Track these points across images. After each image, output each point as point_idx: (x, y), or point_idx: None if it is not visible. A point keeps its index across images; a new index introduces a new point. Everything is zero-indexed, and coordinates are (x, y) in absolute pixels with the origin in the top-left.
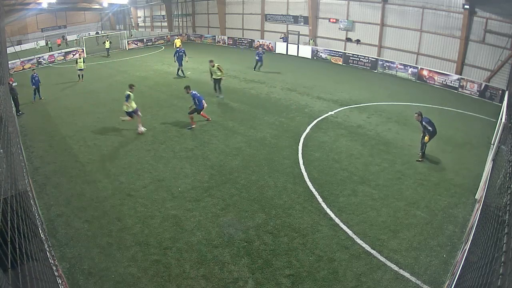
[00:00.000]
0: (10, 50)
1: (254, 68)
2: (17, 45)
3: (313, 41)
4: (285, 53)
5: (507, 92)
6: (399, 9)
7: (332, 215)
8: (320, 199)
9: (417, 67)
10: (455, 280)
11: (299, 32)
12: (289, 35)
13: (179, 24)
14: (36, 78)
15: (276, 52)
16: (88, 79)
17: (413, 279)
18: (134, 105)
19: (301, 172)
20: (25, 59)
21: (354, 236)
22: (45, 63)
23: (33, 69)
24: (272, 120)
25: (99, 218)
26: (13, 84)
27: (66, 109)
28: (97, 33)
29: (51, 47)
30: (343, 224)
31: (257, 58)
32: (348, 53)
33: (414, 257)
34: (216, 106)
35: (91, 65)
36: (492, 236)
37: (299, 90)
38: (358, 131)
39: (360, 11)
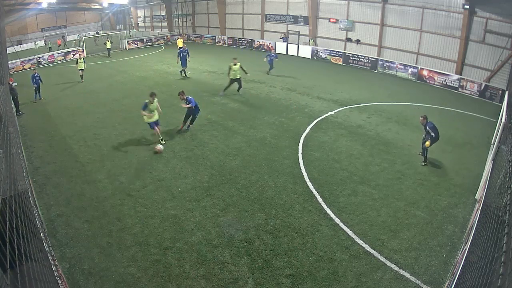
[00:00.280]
0: (10, 50)
1: (268, 72)
2: (17, 45)
3: (313, 41)
4: (285, 53)
5: (507, 92)
6: (399, 9)
7: (332, 215)
8: (320, 199)
9: (417, 67)
10: (455, 280)
11: (299, 32)
12: (289, 35)
13: (179, 24)
14: (37, 77)
15: (276, 52)
16: (88, 79)
17: (413, 279)
18: (156, 116)
19: (301, 172)
20: (25, 59)
21: (354, 236)
22: (45, 63)
23: (34, 69)
24: (272, 120)
25: (99, 218)
26: (13, 84)
27: (66, 109)
28: (96, 33)
29: (50, 47)
30: (343, 224)
31: (268, 60)
32: (348, 53)
33: (414, 257)
34: (216, 106)
35: (91, 65)
36: (492, 236)
37: (299, 90)
38: (358, 131)
39: (360, 11)
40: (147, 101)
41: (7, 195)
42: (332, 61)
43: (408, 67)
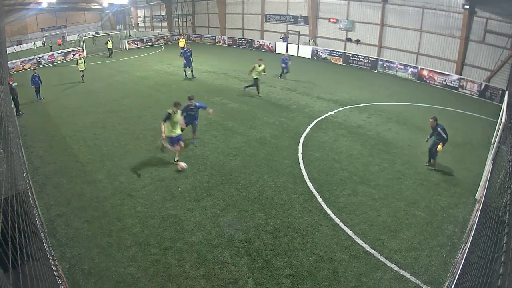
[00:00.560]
0: (10, 50)
1: (280, 76)
2: (17, 45)
3: (313, 41)
4: (285, 53)
5: (507, 92)
6: (399, 9)
7: (332, 215)
8: (320, 199)
9: (417, 67)
10: (455, 280)
11: (299, 32)
12: (289, 35)
13: (179, 24)
14: (37, 78)
15: (276, 52)
16: (88, 79)
17: (413, 279)
18: (178, 130)
19: (301, 172)
20: (25, 59)
21: (354, 236)
22: (45, 63)
23: (34, 69)
24: (272, 120)
25: (99, 218)
26: (13, 84)
27: (66, 109)
28: (96, 33)
29: (51, 46)
30: (343, 224)
31: (283, 65)
32: (348, 53)
33: (414, 257)
34: (216, 106)
35: (91, 65)
36: (492, 236)
37: (299, 90)
38: (358, 131)
39: (360, 11)
40: (170, 111)
41: (8, 195)
42: (332, 61)
43: (408, 67)
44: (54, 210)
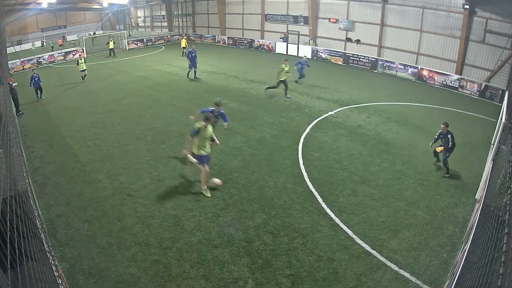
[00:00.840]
0: (10, 50)
1: (297, 81)
2: (17, 45)
3: (313, 41)
4: (285, 53)
5: (507, 92)
6: (399, 9)
7: (332, 215)
8: (320, 199)
9: (417, 67)
10: (455, 280)
11: (299, 32)
12: (289, 35)
13: (179, 24)
14: (36, 78)
15: (276, 52)
16: (88, 79)
17: (413, 279)
18: (208, 148)
19: (301, 172)
20: (25, 59)
21: (354, 236)
22: (45, 63)
23: (33, 69)
24: (272, 120)
25: (99, 218)
26: (13, 84)
27: (66, 109)
28: (94, 33)
29: (53, 46)
30: (343, 224)
31: (299, 68)
32: (348, 53)
33: (414, 257)
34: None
35: (90, 65)
36: (492, 236)
37: (299, 90)
38: (358, 131)
39: (360, 11)
40: (198, 126)
41: (7, 195)
42: (332, 61)
43: (408, 67)
44: (54, 210)
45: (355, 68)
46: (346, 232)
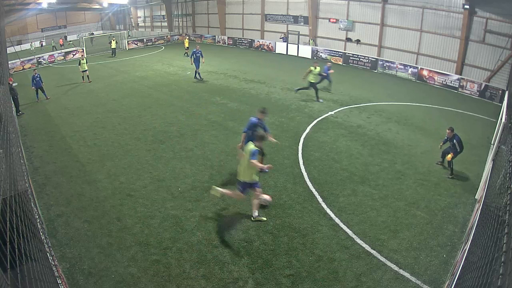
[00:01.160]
0: (10, 50)
1: (329, 89)
2: (17, 45)
3: (313, 41)
4: (285, 53)
5: (507, 92)
6: (399, 9)
7: (332, 215)
8: (320, 199)
9: (417, 67)
10: (455, 280)
11: (299, 32)
12: (289, 35)
13: (179, 24)
14: (38, 78)
15: (276, 52)
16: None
17: (413, 279)
18: (256, 176)
19: (301, 172)
20: (25, 59)
21: (354, 236)
22: (45, 63)
23: (34, 69)
24: (272, 120)
25: (99, 218)
26: (13, 84)
27: (66, 109)
28: (91, 33)
29: (54, 46)
30: (343, 224)
31: (324, 74)
32: (348, 53)
33: (414, 257)
34: (216, 106)
35: (90, 65)
36: (492, 236)
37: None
38: (358, 131)
39: (360, 11)
40: (255, 148)
41: (7, 195)
42: (332, 61)
43: (408, 67)
44: (54, 210)
45: (355, 68)
46: (346, 232)
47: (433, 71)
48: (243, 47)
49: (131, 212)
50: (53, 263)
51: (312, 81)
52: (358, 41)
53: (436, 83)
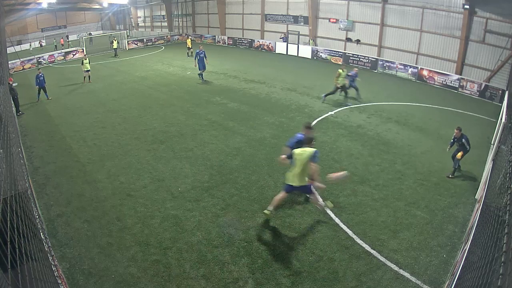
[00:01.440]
0: (10, 50)
1: (359, 98)
2: (17, 45)
3: (313, 41)
4: (285, 53)
5: (507, 92)
6: (399, 9)
7: (332, 215)
8: (320, 199)
9: (417, 67)
10: (455, 280)
11: (299, 32)
12: (289, 35)
13: (179, 24)
14: (42, 78)
15: (276, 52)
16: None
17: (413, 279)
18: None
19: None
20: (25, 59)
21: (354, 236)
22: (45, 63)
23: (39, 68)
24: (272, 120)
25: (99, 218)
26: (13, 85)
27: (66, 109)
28: (89, 34)
29: (56, 45)
30: (343, 224)
31: (350, 81)
32: (348, 53)
33: (414, 257)
34: (216, 106)
35: (91, 65)
36: (492, 236)
37: (299, 90)
38: (358, 131)
39: (360, 11)
40: (315, 149)
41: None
42: (332, 61)
43: (408, 67)
44: (54, 210)
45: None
46: (346, 232)
47: (433, 71)
48: (243, 47)
49: (131, 212)
50: (53, 263)
51: (342, 84)
52: (358, 41)
53: (436, 83)
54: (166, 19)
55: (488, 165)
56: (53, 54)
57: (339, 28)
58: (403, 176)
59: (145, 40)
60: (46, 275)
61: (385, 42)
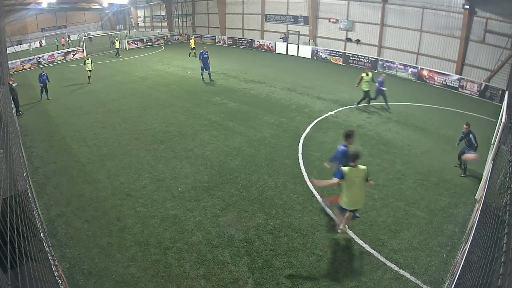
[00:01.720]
0: (10, 50)
1: (386, 106)
2: (17, 45)
3: (313, 41)
4: (285, 53)
5: (507, 92)
6: (399, 9)
7: (332, 215)
8: (320, 199)
9: (417, 67)
10: (455, 280)
11: (299, 32)
12: (289, 35)
13: (179, 24)
14: (45, 77)
15: (276, 52)
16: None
17: (413, 279)
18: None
19: (301, 172)
20: (25, 59)
21: (354, 236)
22: (45, 63)
23: (42, 67)
24: (272, 120)
25: (99, 218)
26: (13, 85)
27: (66, 109)
28: (88, 34)
29: (57, 45)
30: (343, 224)
31: (378, 87)
32: (348, 53)
33: (414, 257)
34: (216, 106)
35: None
36: (492, 236)
37: (299, 90)
38: (358, 131)
39: (360, 11)
40: (345, 169)
41: (7, 195)
42: (332, 61)
43: (408, 67)
44: (54, 210)
45: (355, 68)
46: (346, 232)
47: (433, 71)
48: (243, 47)
49: (131, 212)
50: (53, 263)
51: (366, 90)
52: (358, 41)
53: (436, 83)
54: (166, 19)
55: (488, 165)
56: (53, 54)
57: (339, 28)
58: (403, 176)
59: (145, 40)
60: (46, 275)
61: (385, 42)
